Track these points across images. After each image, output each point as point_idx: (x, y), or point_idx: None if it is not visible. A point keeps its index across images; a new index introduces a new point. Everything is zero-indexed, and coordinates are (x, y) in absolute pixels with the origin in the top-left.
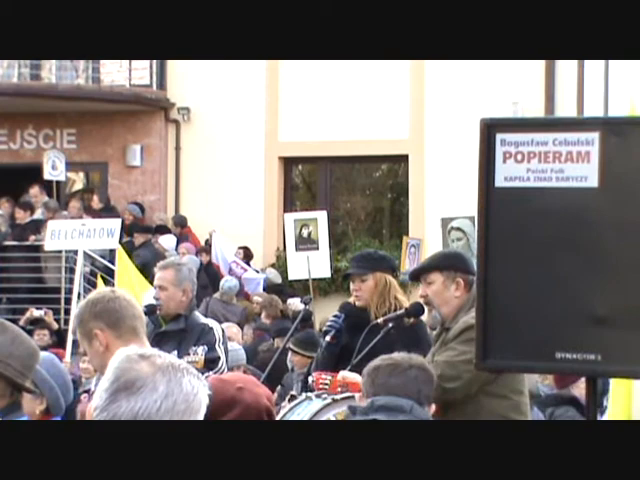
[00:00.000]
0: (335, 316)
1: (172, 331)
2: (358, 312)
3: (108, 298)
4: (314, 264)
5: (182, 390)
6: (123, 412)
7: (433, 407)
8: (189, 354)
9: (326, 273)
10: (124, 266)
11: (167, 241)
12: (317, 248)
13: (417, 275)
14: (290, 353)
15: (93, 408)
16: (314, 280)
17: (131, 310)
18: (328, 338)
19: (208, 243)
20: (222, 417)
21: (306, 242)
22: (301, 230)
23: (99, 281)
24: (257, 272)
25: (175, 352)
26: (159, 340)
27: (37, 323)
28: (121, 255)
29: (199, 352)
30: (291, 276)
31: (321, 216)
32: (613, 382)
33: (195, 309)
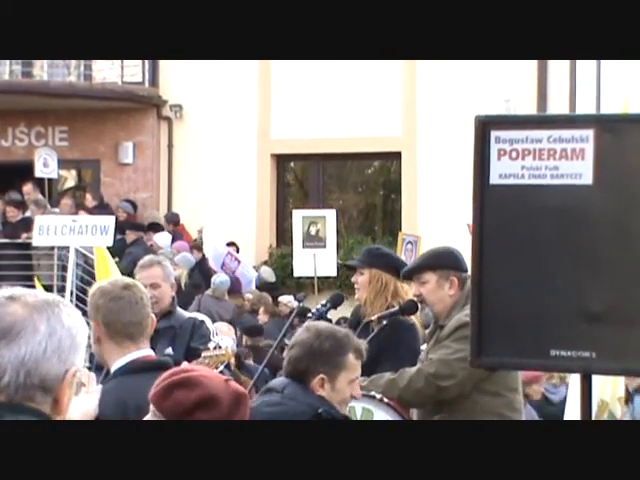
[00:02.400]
0: (322, 305)
1: (163, 328)
2: (355, 310)
3: (114, 295)
4: (320, 262)
5: (64, 325)
6: (8, 362)
7: (318, 377)
8: (208, 348)
9: (332, 272)
10: (105, 266)
11: (162, 239)
12: (324, 246)
13: (410, 275)
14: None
15: None
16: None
17: (130, 315)
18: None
19: (198, 242)
20: (235, 416)
21: (313, 240)
22: (309, 227)
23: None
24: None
25: (170, 349)
26: (151, 338)
27: None
28: (102, 254)
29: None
30: (296, 273)
31: (330, 214)
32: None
33: (177, 305)
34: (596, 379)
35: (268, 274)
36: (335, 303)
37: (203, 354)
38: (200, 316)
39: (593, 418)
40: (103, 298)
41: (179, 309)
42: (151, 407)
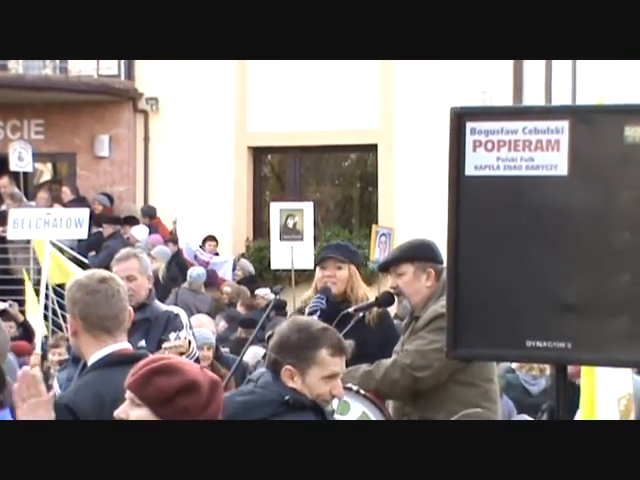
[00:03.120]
0: (318, 297)
1: (138, 321)
2: (335, 301)
3: (90, 289)
4: (297, 255)
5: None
6: None
7: (285, 368)
8: (169, 339)
9: (309, 264)
10: (54, 259)
11: (138, 232)
12: (302, 239)
13: (387, 266)
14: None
15: None
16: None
17: (106, 309)
18: (315, 317)
19: (173, 232)
20: (213, 402)
21: (291, 232)
22: (286, 220)
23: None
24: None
25: (143, 342)
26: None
27: (2, 315)
28: (40, 247)
29: (182, 336)
30: (274, 265)
31: (307, 207)
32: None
33: (154, 297)
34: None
35: (247, 267)
36: (326, 294)
37: (163, 345)
38: (176, 309)
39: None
40: (80, 292)
41: (156, 302)
42: (127, 395)
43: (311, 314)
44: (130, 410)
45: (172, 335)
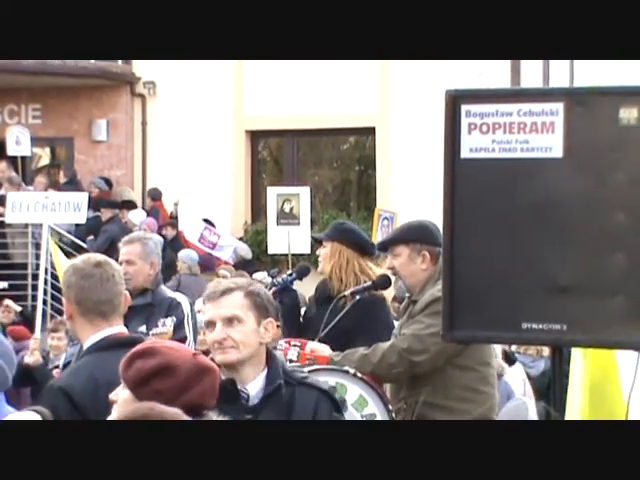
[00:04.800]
0: (288, 274)
1: (139, 306)
2: (322, 285)
3: (85, 273)
4: (294, 239)
5: None
6: None
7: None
8: (157, 326)
9: (306, 249)
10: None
11: (136, 216)
12: (298, 224)
13: (385, 247)
14: None
15: None
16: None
17: (101, 293)
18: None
19: (173, 216)
20: (195, 386)
21: (287, 217)
22: (283, 205)
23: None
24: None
25: (143, 327)
26: (126, 315)
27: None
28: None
29: (167, 323)
30: (271, 250)
31: (304, 192)
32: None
33: (161, 283)
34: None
35: (245, 251)
36: (301, 274)
37: (150, 332)
38: (179, 297)
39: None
40: (75, 276)
41: (162, 288)
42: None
43: (270, 288)
44: (120, 392)
45: (160, 322)
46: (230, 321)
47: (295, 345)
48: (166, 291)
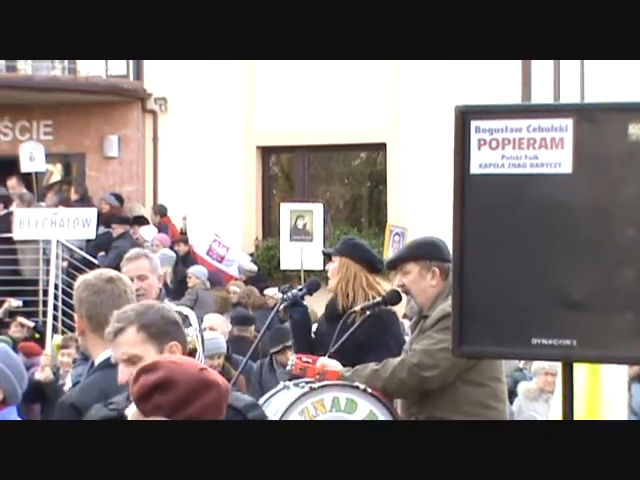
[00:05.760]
0: (298, 289)
1: None
2: (332, 301)
3: (97, 289)
4: (307, 255)
5: None
6: None
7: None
8: None
9: (318, 265)
10: None
11: (147, 232)
12: (311, 240)
13: (393, 265)
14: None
15: None
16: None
17: (113, 308)
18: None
19: (183, 232)
20: (195, 401)
21: (301, 233)
22: (296, 221)
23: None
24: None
25: None
26: None
27: (14, 315)
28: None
29: (189, 333)
30: (283, 266)
31: (317, 208)
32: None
33: (165, 297)
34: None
35: (249, 266)
36: (311, 289)
37: None
38: (186, 310)
39: None
40: (86, 291)
41: (167, 302)
42: None
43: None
44: (129, 408)
45: (190, 330)
46: (130, 361)
47: (307, 361)
48: (171, 305)
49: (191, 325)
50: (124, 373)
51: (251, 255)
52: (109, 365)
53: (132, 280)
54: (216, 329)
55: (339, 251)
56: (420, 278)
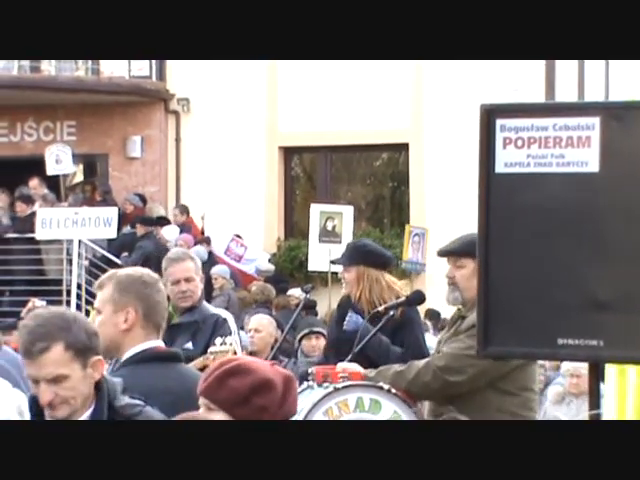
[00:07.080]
0: (349, 316)
1: (185, 323)
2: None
3: (157, 288)
4: (335, 257)
5: None
6: None
7: None
8: (215, 344)
9: None
10: None
11: (169, 232)
12: (340, 242)
13: (448, 255)
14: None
15: None
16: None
17: (165, 308)
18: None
19: (202, 231)
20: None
21: (329, 235)
22: (326, 222)
23: None
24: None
25: (189, 344)
26: (172, 333)
27: None
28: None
29: (227, 341)
30: (311, 267)
31: (347, 211)
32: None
33: (203, 299)
34: None
35: (266, 267)
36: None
37: (209, 350)
38: (224, 313)
39: None
40: (148, 288)
41: (205, 303)
42: (201, 401)
43: (350, 331)
44: (207, 416)
45: (218, 340)
46: (55, 380)
47: (326, 369)
48: (209, 307)
49: (231, 331)
50: (48, 393)
51: (273, 255)
52: (136, 361)
53: (178, 282)
54: (261, 330)
55: (355, 259)
56: (473, 276)
